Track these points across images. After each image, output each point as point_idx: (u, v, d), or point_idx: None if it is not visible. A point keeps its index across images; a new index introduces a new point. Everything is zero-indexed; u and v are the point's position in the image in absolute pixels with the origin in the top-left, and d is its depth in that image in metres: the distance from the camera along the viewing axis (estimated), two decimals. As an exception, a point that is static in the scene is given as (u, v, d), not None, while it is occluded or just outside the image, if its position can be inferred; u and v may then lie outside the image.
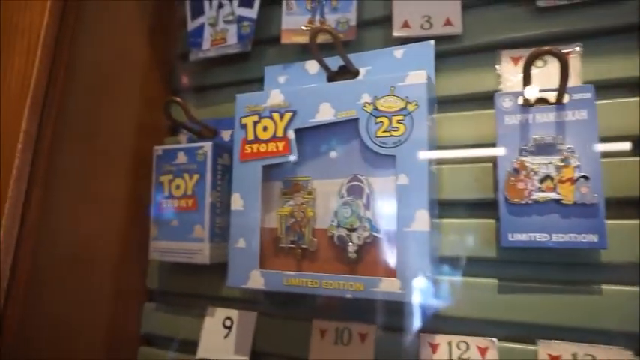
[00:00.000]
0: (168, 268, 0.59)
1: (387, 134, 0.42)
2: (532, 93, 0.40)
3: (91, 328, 0.54)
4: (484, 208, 0.44)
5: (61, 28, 0.44)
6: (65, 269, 0.49)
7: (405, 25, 0.49)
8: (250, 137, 0.48)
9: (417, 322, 0.45)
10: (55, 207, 0.46)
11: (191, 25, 0.59)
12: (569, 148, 0.39)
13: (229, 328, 0.53)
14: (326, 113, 0.44)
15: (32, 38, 0.42)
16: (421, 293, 0.39)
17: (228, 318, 0.53)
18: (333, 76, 0.50)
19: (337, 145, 0.46)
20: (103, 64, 0.54)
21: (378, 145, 0.42)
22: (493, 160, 0.44)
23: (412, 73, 0.42)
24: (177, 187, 0.53)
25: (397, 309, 0.45)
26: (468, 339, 0.42)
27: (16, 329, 0.40)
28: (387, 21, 0.51)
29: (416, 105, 0.41)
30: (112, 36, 0.55)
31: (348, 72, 0.50)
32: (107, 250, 0.56)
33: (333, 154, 0.46)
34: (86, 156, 0.51)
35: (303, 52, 0.56)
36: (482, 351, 0.41)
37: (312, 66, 0.52)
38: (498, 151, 0.41)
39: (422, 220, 0.39)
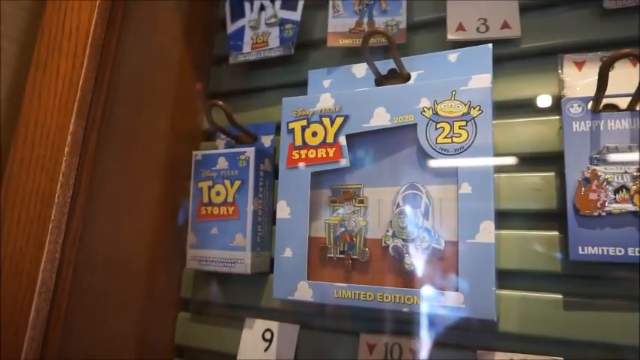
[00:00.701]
0: (204, 278, 0.57)
1: (449, 140, 0.40)
2: (604, 99, 0.38)
3: (125, 338, 0.52)
4: (546, 219, 0.42)
5: (108, 29, 0.42)
6: (103, 278, 0.48)
7: (460, 27, 0.47)
8: (298, 142, 0.46)
9: (474, 339, 0.42)
10: (96, 214, 0.44)
11: (231, 28, 0.58)
12: (646, 156, 0.36)
13: (269, 340, 0.51)
14: (381, 118, 0.42)
15: (80, 39, 0.41)
16: (484, 308, 0.37)
17: (269, 330, 0.51)
18: (382, 81, 0.48)
19: (392, 152, 0.44)
20: (144, 67, 0.53)
21: (438, 152, 0.40)
22: (556, 169, 0.42)
23: (475, 76, 0.40)
24: (218, 193, 0.52)
25: (453, 324, 0.43)
26: (531, 357, 0.40)
27: (59, 338, 0.38)
28: (438, 24, 0.49)
29: (480, 110, 0.39)
30: (153, 38, 0.53)
31: (398, 76, 0.48)
32: (142, 259, 0.54)
33: (386, 162, 0.44)
34: (125, 161, 0.50)
35: (347, 55, 0.54)
36: (549, 372, 0.39)
37: (359, 69, 0.50)
38: (567, 159, 0.39)
39: (487, 231, 0.37)
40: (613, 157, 0.37)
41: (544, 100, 0.44)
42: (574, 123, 0.39)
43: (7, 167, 0.41)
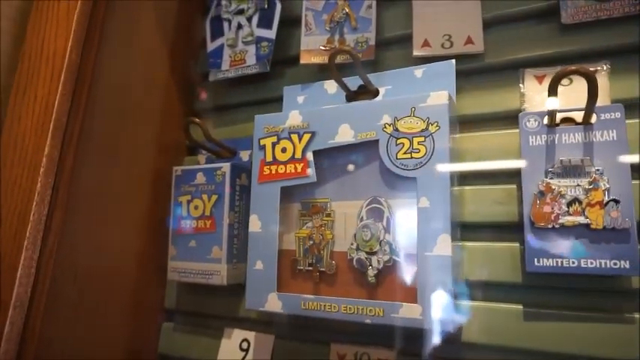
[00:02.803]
0: (187, 289, 0.59)
1: (408, 156, 0.41)
2: (557, 113, 0.39)
3: (109, 348, 0.54)
4: (508, 231, 0.43)
5: (84, 53, 0.44)
6: (84, 290, 0.49)
7: (426, 44, 0.48)
8: (269, 158, 0.47)
9: (438, 349, 0.43)
10: (76, 229, 0.46)
11: (211, 46, 0.60)
12: (597, 169, 0.37)
13: (246, 350, 0.52)
14: (345, 134, 0.44)
15: (56, 64, 0.43)
16: (442, 319, 0.38)
17: (245, 340, 0.52)
18: (352, 96, 0.50)
19: (357, 167, 0.45)
20: (125, 86, 0.55)
21: (398, 167, 0.41)
22: (518, 182, 0.43)
23: (434, 93, 0.41)
24: (196, 207, 0.53)
25: (418, 335, 0.43)
26: (494, 368, 0.41)
27: (34, 350, 0.40)
28: (406, 40, 0.51)
29: (437, 126, 0.40)
30: (133, 58, 0.55)
31: (367, 92, 0.49)
32: (126, 270, 0.56)
33: (351, 176, 0.45)
34: (107, 177, 0.52)
35: (322, 71, 0.55)
36: (509, 381, 0.40)
37: (331, 86, 0.52)
38: (523, 173, 0.40)
39: (444, 244, 0.38)
40: (565, 170, 0.38)
41: (506, 114, 0.45)
42: (530, 137, 0.40)
43: (-11, 187, 0.43)
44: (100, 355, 0.53)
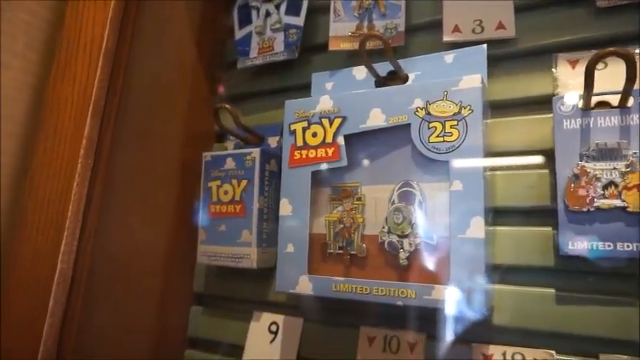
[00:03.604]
0: (215, 273, 0.60)
1: (441, 139, 0.41)
2: (593, 96, 0.39)
3: (138, 331, 0.55)
4: (540, 215, 0.43)
5: (120, 40, 0.45)
6: (118, 271, 0.51)
7: (456, 29, 0.48)
8: (299, 143, 0.48)
9: (469, 332, 0.43)
10: (111, 212, 0.47)
11: (239, 34, 0.61)
12: (635, 153, 0.37)
13: (275, 333, 0.53)
14: (377, 119, 0.44)
15: (94, 51, 0.44)
16: (475, 302, 0.38)
17: (274, 323, 0.53)
18: (381, 82, 0.50)
19: (387, 151, 0.45)
20: (155, 73, 0.56)
21: (430, 151, 0.41)
22: (550, 166, 0.43)
23: (466, 77, 0.41)
24: (226, 192, 0.54)
25: (448, 317, 0.44)
26: (525, 350, 0.41)
27: (76, 326, 0.41)
28: (435, 26, 0.51)
29: (470, 110, 0.40)
30: (164, 45, 0.56)
31: (397, 77, 0.49)
32: (157, 254, 0.57)
33: (382, 160, 0.45)
34: (139, 161, 0.53)
35: (350, 58, 0.56)
36: (541, 364, 0.40)
37: (359, 72, 0.52)
38: (557, 156, 0.40)
39: (477, 226, 0.39)
40: (601, 153, 0.38)
41: (539, 99, 0.45)
42: (564, 120, 0.40)
43: (31, 168, 0.44)
44: (131, 337, 0.54)
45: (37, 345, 0.38)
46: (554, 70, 0.44)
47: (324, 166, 0.46)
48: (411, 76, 0.49)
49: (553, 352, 0.40)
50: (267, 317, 0.54)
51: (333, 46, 0.53)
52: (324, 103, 0.47)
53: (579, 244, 0.38)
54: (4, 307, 0.41)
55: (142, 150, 0.53)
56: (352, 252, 0.45)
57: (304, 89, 0.57)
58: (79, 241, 0.41)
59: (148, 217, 0.56)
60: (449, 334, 0.44)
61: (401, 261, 0.42)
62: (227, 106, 0.54)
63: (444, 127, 0.41)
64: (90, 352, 0.47)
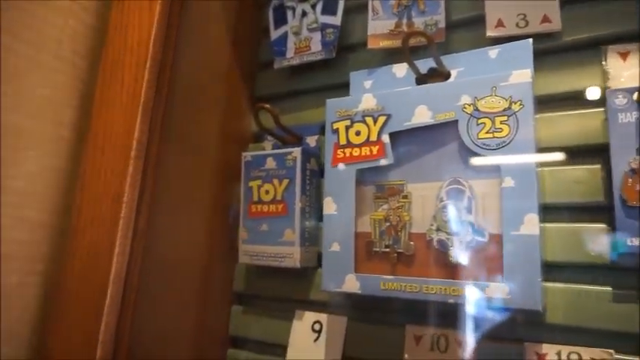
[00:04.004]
0: (255, 272, 0.60)
1: (490, 135, 0.41)
2: (650, 88, 0.38)
3: (182, 330, 0.56)
4: (592, 211, 0.42)
5: (166, 43, 0.46)
6: (164, 271, 0.51)
7: (499, 24, 0.47)
8: (343, 142, 0.48)
9: (521, 331, 0.43)
10: (157, 213, 0.48)
11: (274, 35, 0.61)
12: (696, 146, 0.36)
13: (319, 332, 0.53)
14: (422, 116, 0.44)
15: (141, 54, 0.45)
16: (529, 300, 0.38)
17: (317, 322, 0.53)
18: (422, 79, 0.50)
19: (433, 148, 0.45)
20: (194, 74, 0.57)
21: (480, 147, 0.41)
22: (601, 161, 0.42)
23: (516, 72, 0.40)
24: (267, 191, 0.54)
25: (500, 316, 0.43)
26: (581, 350, 0.40)
27: (129, 324, 0.42)
28: (476, 21, 0.50)
29: (521, 105, 0.40)
30: (204, 48, 0.57)
31: (438, 74, 0.49)
32: (198, 254, 0.58)
33: (428, 158, 0.45)
34: (182, 163, 0.54)
35: (387, 56, 0.55)
36: (598, 363, 0.39)
37: (399, 69, 0.52)
38: (612, 151, 0.39)
39: (531, 223, 0.38)
40: (660, 147, 0.37)
41: (587, 93, 0.44)
42: (619, 114, 0.39)
43: (81, 171, 0.45)
44: (175, 336, 0.55)
45: (95, 342, 0.39)
46: (603, 63, 0.43)
47: (369, 165, 0.46)
48: (454, 73, 0.49)
49: (612, 351, 0.39)
50: (309, 316, 0.54)
51: (372, 45, 0.53)
52: (367, 102, 0.47)
53: (638, 241, 0.37)
54: (61, 306, 0.42)
55: (185, 151, 0.54)
56: (399, 250, 0.45)
57: (341, 88, 0.57)
58: (131, 242, 0.42)
59: (189, 218, 0.56)
60: (500, 333, 0.43)
61: (451, 259, 0.42)
62: (267, 106, 0.54)
63: (493, 122, 0.41)
64: (139, 351, 0.47)
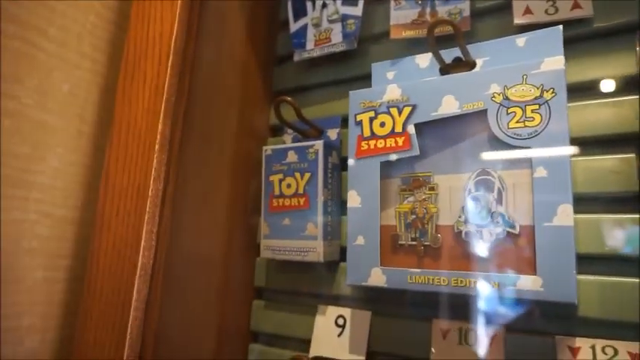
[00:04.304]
0: (275, 266, 0.60)
1: (521, 125, 0.40)
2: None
3: (205, 322, 0.56)
4: (627, 202, 0.41)
5: (187, 36, 0.46)
6: (187, 265, 0.51)
7: (527, 11, 0.46)
8: (367, 133, 0.47)
9: (552, 324, 0.42)
10: (182, 207, 0.48)
11: (294, 27, 0.60)
12: None
13: (342, 326, 0.52)
14: (450, 106, 0.43)
15: (163, 47, 0.44)
16: (564, 292, 0.37)
17: (341, 316, 0.53)
18: (447, 69, 0.49)
19: (460, 139, 0.44)
20: (214, 68, 0.56)
21: (510, 137, 0.40)
22: (636, 151, 0.41)
23: (547, 59, 0.39)
24: (288, 185, 0.54)
25: (530, 309, 0.42)
26: (616, 343, 0.39)
27: (156, 318, 0.42)
28: (502, 9, 0.49)
29: (553, 93, 0.39)
30: (223, 41, 0.57)
31: (463, 64, 0.48)
32: (219, 248, 0.57)
33: (455, 148, 0.44)
34: (203, 157, 0.53)
35: (408, 46, 0.54)
36: (635, 357, 0.38)
37: (422, 60, 0.51)
38: (649, 139, 0.38)
39: (565, 214, 0.37)
40: (701, 134, 0.36)
41: (621, 80, 0.43)
42: (656, 101, 0.38)
43: (105, 165, 0.45)
44: (196, 330, 0.55)
45: (123, 337, 0.38)
46: (638, 49, 0.42)
47: (394, 157, 0.45)
48: (479, 62, 0.48)
49: (648, 344, 0.38)
50: (332, 310, 0.54)
51: (395, 35, 0.52)
52: (392, 92, 0.46)
53: (677, 231, 0.36)
54: (87, 300, 0.42)
55: (205, 145, 0.53)
56: (426, 243, 0.44)
57: (362, 79, 0.56)
58: (156, 236, 0.42)
59: (209, 212, 0.56)
60: (531, 326, 0.42)
61: (481, 250, 0.41)
62: (289, 99, 0.53)
63: (524, 111, 0.40)
64: (163, 345, 0.47)
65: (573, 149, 0.43)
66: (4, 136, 0.42)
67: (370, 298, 0.52)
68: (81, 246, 0.47)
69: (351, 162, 0.48)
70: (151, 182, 0.41)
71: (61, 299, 0.46)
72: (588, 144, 0.43)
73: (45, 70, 0.46)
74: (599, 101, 0.44)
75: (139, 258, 0.40)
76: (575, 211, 0.42)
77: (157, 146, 0.42)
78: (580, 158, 0.43)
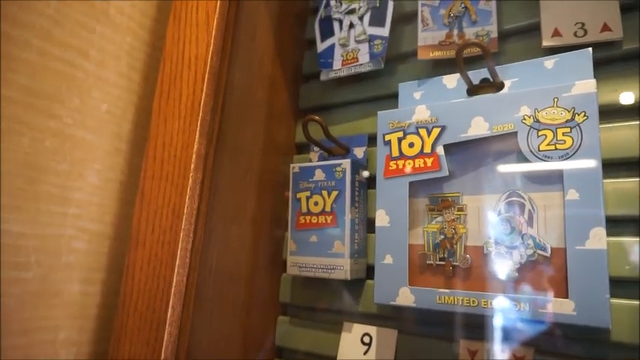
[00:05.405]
0: (300, 283, 0.60)
1: (552, 147, 0.40)
2: None
3: (232, 338, 0.56)
4: (659, 225, 0.41)
5: (222, 57, 0.47)
6: (215, 282, 0.52)
7: (556, 33, 0.47)
8: (395, 153, 0.48)
9: (585, 349, 0.41)
10: (213, 224, 0.49)
11: (321, 47, 0.61)
12: None
13: (368, 344, 0.53)
14: (479, 127, 0.43)
15: (199, 68, 0.46)
16: (597, 316, 0.37)
17: (367, 334, 0.53)
18: (474, 90, 0.49)
19: (490, 160, 0.44)
20: (245, 85, 0.58)
21: (541, 160, 0.40)
22: (669, 173, 0.41)
23: (579, 82, 0.40)
24: (316, 203, 0.55)
25: (561, 333, 0.42)
26: (650, 369, 0.38)
27: (188, 334, 0.43)
28: (530, 30, 0.50)
29: (585, 116, 0.39)
30: (253, 59, 0.58)
31: (490, 85, 0.48)
32: (246, 264, 0.58)
33: (485, 170, 0.44)
34: (232, 174, 0.54)
35: (435, 66, 0.55)
36: (671, 384, 0.37)
37: (450, 80, 0.51)
38: (683, 163, 0.38)
39: (598, 238, 0.37)
40: None
41: (651, 102, 0.43)
42: (690, 125, 0.38)
43: (140, 183, 0.46)
44: (224, 346, 0.55)
45: (158, 354, 0.39)
46: (669, 71, 0.42)
47: (423, 177, 0.46)
48: (507, 83, 0.48)
49: (684, 371, 0.37)
50: (358, 328, 0.54)
51: (422, 56, 0.53)
52: (421, 113, 0.47)
53: None
54: (122, 314, 0.43)
55: (235, 162, 0.55)
56: (455, 263, 0.44)
57: (388, 99, 0.57)
58: (190, 254, 0.43)
59: (236, 227, 0.57)
60: (562, 350, 0.42)
61: (511, 272, 0.41)
62: (317, 118, 0.54)
63: (555, 134, 0.40)
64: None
65: (604, 172, 0.43)
66: (46, 154, 0.43)
67: (396, 317, 0.52)
68: (116, 260, 0.49)
69: (379, 181, 0.48)
70: (187, 201, 0.42)
71: (96, 313, 0.47)
72: (618, 165, 0.43)
73: (85, 90, 0.47)
74: (629, 123, 0.44)
75: (174, 276, 0.41)
76: (607, 234, 0.42)
77: (192, 165, 0.43)
78: (611, 180, 0.43)
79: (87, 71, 0.48)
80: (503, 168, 0.43)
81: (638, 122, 0.43)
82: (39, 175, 0.43)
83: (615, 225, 0.42)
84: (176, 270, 0.41)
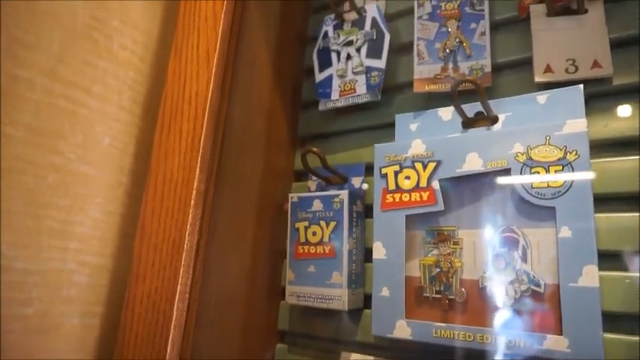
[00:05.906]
0: (299, 312, 0.61)
1: (545, 185, 0.41)
2: None
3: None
4: (651, 260, 0.41)
5: (222, 92, 0.48)
6: (214, 312, 0.52)
7: (548, 69, 0.48)
8: (392, 187, 0.49)
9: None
10: (212, 256, 0.50)
11: (319, 77, 0.63)
12: None
13: (366, 374, 0.53)
14: (474, 163, 0.44)
15: (199, 103, 0.47)
16: (591, 354, 0.37)
17: (365, 364, 0.53)
18: (469, 123, 0.50)
19: (485, 195, 0.45)
20: (244, 116, 0.59)
21: (534, 197, 0.41)
22: (660, 209, 0.41)
23: (570, 121, 0.41)
24: (314, 233, 0.55)
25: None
26: (645, 405, 0.39)
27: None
28: (522, 65, 0.51)
29: (576, 155, 0.40)
30: (252, 91, 0.59)
31: (485, 119, 0.50)
32: (244, 293, 0.59)
33: (479, 205, 0.45)
34: (232, 205, 0.55)
35: (431, 98, 0.56)
36: (665, 420, 0.38)
37: (446, 113, 0.52)
38: (673, 202, 0.38)
39: (590, 275, 0.38)
40: None
41: (641, 139, 0.43)
42: (679, 164, 0.39)
43: (141, 217, 0.47)
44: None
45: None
46: (658, 108, 0.43)
47: (420, 211, 0.46)
48: (501, 117, 0.49)
49: (678, 407, 0.38)
50: (356, 358, 0.54)
51: (418, 89, 0.54)
52: (417, 147, 0.48)
53: None
54: (121, 348, 0.44)
55: (234, 193, 0.55)
56: (451, 297, 0.45)
57: (385, 128, 0.58)
58: (190, 288, 0.43)
59: (238, 258, 0.58)
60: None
61: (505, 308, 0.42)
62: (315, 149, 0.55)
63: (547, 172, 0.41)
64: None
65: (595, 206, 0.43)
66: (48, 190, 0.44)
67: (394, 347, 0.53)
68: (116, 293, 0.49)
69: (376, 214, 0.49)
70: (186, 236, 0.43)
71: (95, 346, 0.48)
72: (611, 200, 0.44)
73: (88, 125, 0.48)
74: (619, 159, 0.44)
75: (174, 311, 0.41)
76: (600, 268, 0.43)
77: (192, 202, 0.44)
78: (603, 215, 0.44)
79: (90, 107, 0.49)
80: (498, 203, 0.44)
81: (629, 158, 0.44)
82: (41, 211, 0.44)
83: (608, 259, 0.43)
84: (176, 305, 0.41)
